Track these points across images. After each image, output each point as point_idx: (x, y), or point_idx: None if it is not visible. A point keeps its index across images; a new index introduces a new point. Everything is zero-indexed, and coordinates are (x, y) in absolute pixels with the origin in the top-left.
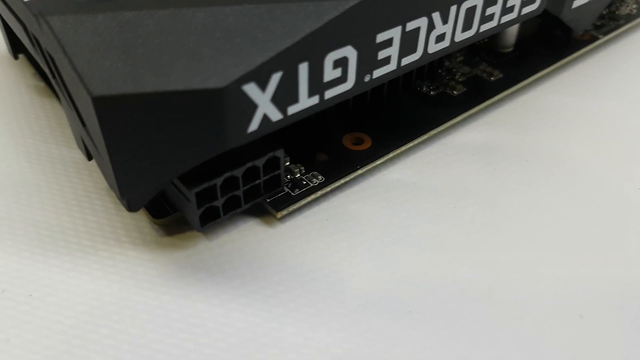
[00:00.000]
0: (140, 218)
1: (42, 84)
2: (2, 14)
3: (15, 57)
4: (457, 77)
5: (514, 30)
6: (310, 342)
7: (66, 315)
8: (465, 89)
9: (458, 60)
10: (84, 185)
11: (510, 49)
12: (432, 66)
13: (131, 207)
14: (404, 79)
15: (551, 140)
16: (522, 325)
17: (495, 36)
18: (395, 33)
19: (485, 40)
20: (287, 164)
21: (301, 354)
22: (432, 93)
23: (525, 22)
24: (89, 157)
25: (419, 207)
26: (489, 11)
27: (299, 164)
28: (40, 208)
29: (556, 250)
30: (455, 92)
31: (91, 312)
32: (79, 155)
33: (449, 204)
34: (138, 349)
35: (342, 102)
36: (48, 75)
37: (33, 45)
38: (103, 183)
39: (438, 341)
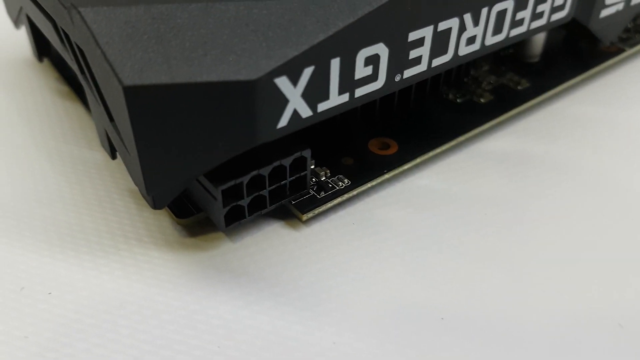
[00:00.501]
0: (163, 219)
1: (65, 88)
2: (29, 15)
3: (40, 60)
4: (483, 85)
5: (540, 40)
6: (339, 347)
7: (86, 314)
8: (492, 97)
9: (484, 69)
10: (106, 186)
11: (536, 59)
12: (459, 74)
13: (156, 205)
14: (431, 85)
15: (580, 150)
16: (559, 334)
17: (521, 46)
18: (427, 32)
19: (511, 51)
20: (313, 167)
21: (329, 358)
22: (458, 101)
23: (551, 33)
24: (113, 156)
25: (449, 214)
26: (519, 16)
27: (324, 167)
28: (61, 208)
29: (591, 259)
30: (482, 100)
31: (111, 311)
32: (101, 157)
33: (479, 211)
34: (159, 349)
35: (368, 106)
36: (76, 71)
37: (62, 41)
38: (125, 184)
39: (472, 349)
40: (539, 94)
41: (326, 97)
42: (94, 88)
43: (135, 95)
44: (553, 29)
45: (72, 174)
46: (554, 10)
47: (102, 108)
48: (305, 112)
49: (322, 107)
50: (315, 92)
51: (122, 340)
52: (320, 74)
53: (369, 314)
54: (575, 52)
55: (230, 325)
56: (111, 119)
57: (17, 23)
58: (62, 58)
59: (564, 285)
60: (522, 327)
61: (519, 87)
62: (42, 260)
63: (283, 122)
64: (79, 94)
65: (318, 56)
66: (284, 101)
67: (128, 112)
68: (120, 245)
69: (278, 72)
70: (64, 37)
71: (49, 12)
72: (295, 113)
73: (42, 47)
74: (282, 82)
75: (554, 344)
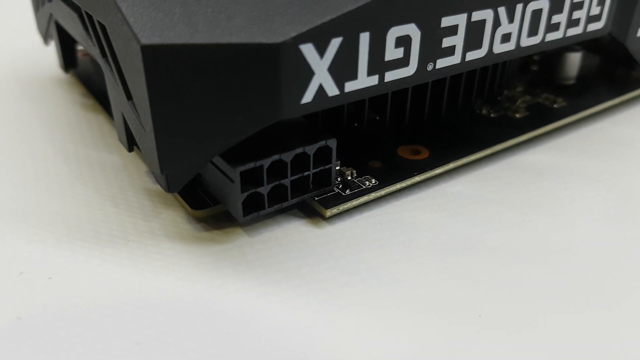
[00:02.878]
0: (177, 214)
1: (89, 101)
2: (57, 19)
3: (66, 71)
4: (518, 103)
5: (575, 61)
6: (364, 340)
7: (86, 299)
8: (527, 113)
9: (518, 90)
10: (121, 184)
11: (572, 82)
12: (492, 90)
13: (170, 187)
14: (464, 98)
15: (623, 166)
16: (598, 329)
17: (556, 68)
18: (460, 20)
19: (545, 74)
20: (338, 167)
21: (352, 350)
22: (492, 115)
23: (585, 58)
24: (130, 148)
25: (485, 218)
26: (554, 19)
27: (350, 167)
28: (72, 202)
29: (631, 267)
30: (517, 115)
31: (114, 298)
32: (119, 159)
33: (517, 216)
34: (163, 335)
35: (398, 115)
36: (98, 58)
37: (86, 29)
38: (141, 184)
39: (512, 346)
40: (577, 112)
41: (354, 76)
42: (113, 66)
43: (152, 55)
44: (588, 55)
45: (88, 174)
46: (590, 19)
47: (120, 87)
48: (332, 89)
49: (349, 86)
50: (342, 68)
51: (123, 326)
52: (348, 47)
53: (398, 309)
54: (611, 78)
55: (245, 315)
56: (129, 97)
57: (46, 38)
58: (88, 73)
59: (605, 288)
60: (563, 325)
61: (555, 106)
62: (45, 248)
63: (308, 97)
64: (103, 105)
65: (346, 27)
66: (310, 73)
67: (145, 74)
68: (130, 237)
69: (304, 37)
70: (88, 22)
71: (74, 1)
72: (321, 89)
73: (68, 58)
74: (308, 50)
75: (594, 340)
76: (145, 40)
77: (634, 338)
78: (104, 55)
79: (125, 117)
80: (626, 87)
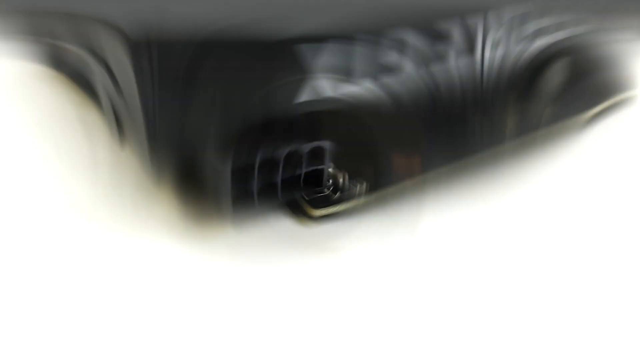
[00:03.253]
0: (168, 208)
1: (79, 99)
2: None
3: (55, 68)
4: (506, 112)
5: (560, 69)
6: (347, 338)
7: (84, 290)
8: (515, 122)
9: (506, 99)
10: (113, 178)
11: (556, 90)
12: (483, 100)
13: (161, 181)
14: (458, 106)
15: (607, 169)
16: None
17: (542, 76)
18: (453, 25)
19: (531, 83)
20: (331, 170)
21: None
22: (482, 124)
23: (570, 66)
24: (121, 142)
25: (477, 223)
26: (543, 23)
27: (342, 170)
28: (65, 196)
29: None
30: (507, 123)
31: (111, 283)
32: (110, 153)
33: (509, 220)
34: (149, 321)
35: (392, 120)
36: (85, 54)
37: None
38: (132, 176)
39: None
40: (562, 118)
41: (350, 78)
42: (102, 61)
43: (141, 50)
44: (571, 63)
45: (80, 168)
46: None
47: (109, 81)
48: (328, 90)
49: (345, 89)
50: (338, 69)
51: (119, 317)
52: (345, 49)
53: (386, 309)
54: (594, 85)
55: (227, 307)
56: (119, 91)
57: None
58: (77, 69)
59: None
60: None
61: (541, 114)
62: (43, 242)
63: (303, 97)
64: (93, 101)
65: (344, 30)
66: (306, 73)
67: (133, 69)
68: (122, 230)
69: (303, 37)
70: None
71: None
72: (317, 88)
73: (57, 55)
74: (306, 50)
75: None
76: (134, 35)
77: None
78: (92, 52)
79: (116, 111)
80: (608, 94)
